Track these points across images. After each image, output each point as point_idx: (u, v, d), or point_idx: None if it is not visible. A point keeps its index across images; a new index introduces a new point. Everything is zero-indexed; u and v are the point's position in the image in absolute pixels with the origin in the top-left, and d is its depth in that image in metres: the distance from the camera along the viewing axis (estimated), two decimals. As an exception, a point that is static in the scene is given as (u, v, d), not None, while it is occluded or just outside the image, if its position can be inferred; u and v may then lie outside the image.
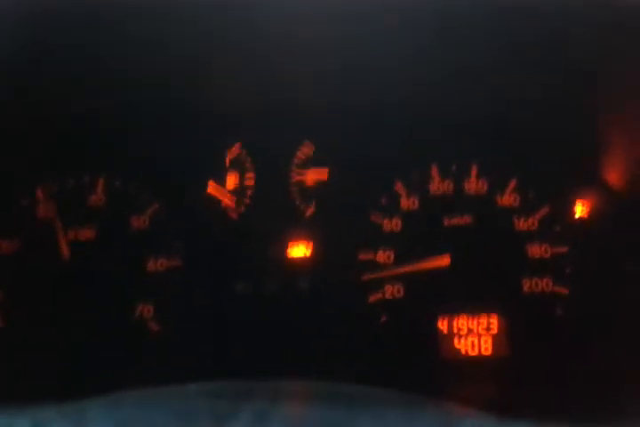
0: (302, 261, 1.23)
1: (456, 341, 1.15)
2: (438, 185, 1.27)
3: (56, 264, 1.23)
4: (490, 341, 1.14)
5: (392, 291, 1.19)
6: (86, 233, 1.26)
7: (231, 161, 1.33)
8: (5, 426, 0.40)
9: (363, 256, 1.22)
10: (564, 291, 1.16)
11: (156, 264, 1.23)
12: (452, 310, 1.16)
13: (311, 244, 1.24)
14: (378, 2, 0.94)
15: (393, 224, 1.24)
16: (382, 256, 1.22)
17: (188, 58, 1.12)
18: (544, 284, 1.16)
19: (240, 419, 0.40)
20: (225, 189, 1.31)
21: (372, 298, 1.19)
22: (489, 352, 1.14)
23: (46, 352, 1.16)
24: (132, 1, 0.95)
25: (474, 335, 1.15)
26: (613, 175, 1.20)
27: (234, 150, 1.33)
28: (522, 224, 1.21)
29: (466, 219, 1.22)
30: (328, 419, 0.41)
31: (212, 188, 1.30)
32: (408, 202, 1.26)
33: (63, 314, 1.20)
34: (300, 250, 1.25)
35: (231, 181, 1.32)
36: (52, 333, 1.18)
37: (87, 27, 1.02)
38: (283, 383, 0.57)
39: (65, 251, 1.23)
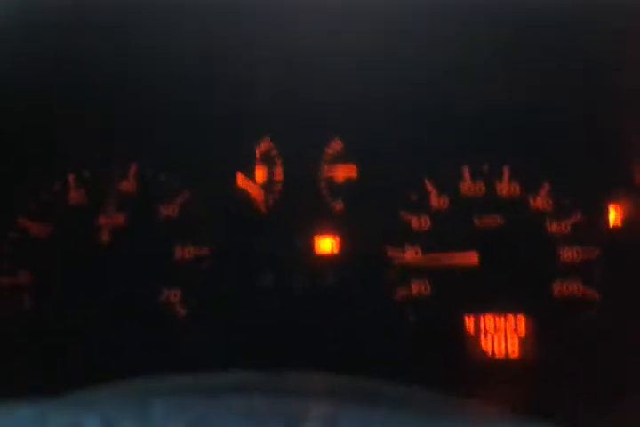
0: (329, 256, 1.23)
1: (482, 341, 1.14)
2: (469, 186, 1.26)
3: (87, 249, 1.24)
4: (517, 342, 1.13)
5: (419, 288, 1.19)
6: (117, 219, 1.27)
7: (261, 155, 1.33)
8: (75, 424, 0.40)
9: (390, 253, 1.21)
10: (595, 295, 1.14)
11: (183, 252, 1.24)
12: (480, 310, 1.15)
13: (338, 239, 1.24)
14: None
15: (422, 222, 1.24)
16: (410, 253, 1.21)
17: (221, 52, 1.13)
18: (574, 287, 1.15)
19: (312, 420, 0.39)
20: (254, 182, 1.31)
21: (399, 295, 1.19)
22: (516, 354, 1.13)
23: (74, 336, 1.17)
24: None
25: (501, 336, 1.14)
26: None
27: (263, 145, 1.33)
28: (554, 228, 1.20)
29: (496, 220, 1.21)
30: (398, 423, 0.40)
31: (241, 180, 1.31)
32: (438, 201, 1.25)
33: (91, 298, 1.21)
34: (327, 245, 1.24)
35: (260, 174, 1.32)
36: (80, 317, 1.19)
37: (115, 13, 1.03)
38: (336, 380, 0.56)
39: (105, 235, 1.24)
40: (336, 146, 1.32)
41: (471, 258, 1.17)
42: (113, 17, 1.04)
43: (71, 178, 1.31)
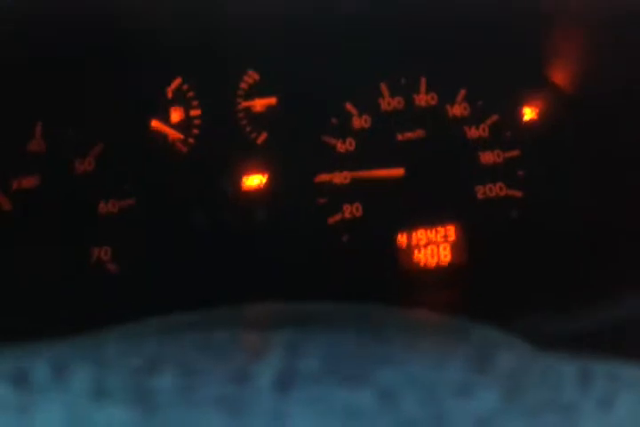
0: (258, 190, 1.22)
1: (416, 252, 1.16)
2: (389, 101, 1.25)
3: (3, 214, 1.19)
4: (448, 248, 1.16)
5: (351, 210, 1.19)
6: (29, 181, 1.21)
7: (173, 95, 1.28)
8: (22, 370, 0.37)
9: (319, 179, 1.21)
10: (518, 194, 1.17)
11: (107, 206, 1.20)
12: (411, 224, 1.17)
13: (266, 172, 1.22)
14: None
15: (347, 144, 1.23)
16: (339, 177, 1.21)
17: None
18: (497, 189, 1.17)
19: (274, 350, 0.37)
20: (169, 123, 1.26)
21: (332, 220, 1.19)
22: (447, 259, 1.16)
23: (8, 303, 1.14)
24: None
25: (433, 245, 1.17)
26: (559, 77, 1.19)
27: (175, 85, 1.27)
28: (473, 132, 1.20)
29: (418, 133, 1.21)
30: (363, 349, 0.39)
31: (155, 123, 1.26)
32: (360, 121, 1.24)
33: (17, 265, 1.17)
34: (254, 179, 1.22)
35: (176, 115, 1.28)
36: (10, 284, 1.15)
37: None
38: (292, 307, 0.55)
39: (5, 203, 1.19)
40: (252, 78, 1.27)
41: (397, 171, 1.17)
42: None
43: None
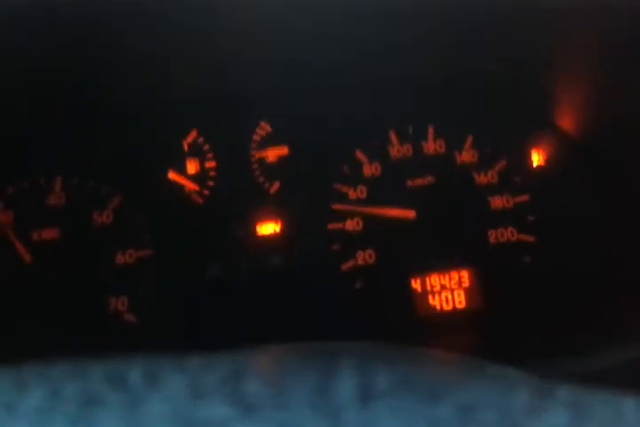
0: (272, 238, 1.23)
1: (430, 298, 1.16)
2: (398, 149, 1.27)
3: (19, 269, 1.21)
4: (463, 294, 1.16)
5: (364, 257, 1.20)
6: (50, 234, 1.24)
7: (189, 147, 1.32)
8: (116, 374, 0.39)
9: (331, 226, 1.22)
10: (530, 239, 1.18)
11: (124, 257, 1.22)
12: (424, 269, 1.18)
13: (279, 220, 1.24)
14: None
15: (358, 192, 1.25)
16: (351, 224, 1.22)
17: (140, 46, 1.09)
18: (509, 233, 1.18)
19: (344, 371, 0.39)
20: (186, 174, 1.30)
21: (345, 266, 1.20)
22: (463, 305, 1.16)
23: (24, 354, 1.14)
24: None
25: (447, 291, 1.17)
26: (566, 122, 1.22)
27: (190, 137, 1.31)
28: (482, 178, 1.22)
29: (428, 179, 1.23)
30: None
31: (172, 174, 1.29)
32: (371, 168, 1.26)
33: (37, 316, 1.18)
34: (269, 227, 1.25)
35: (191, 166, 1.31)
36: (29, 335, 1.16)
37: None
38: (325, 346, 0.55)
39: (26, 256, 1.21)
40: (264, 130, 1.31)
41: (409, 213, 1.19)
42: None
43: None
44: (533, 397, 0.38)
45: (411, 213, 1.20)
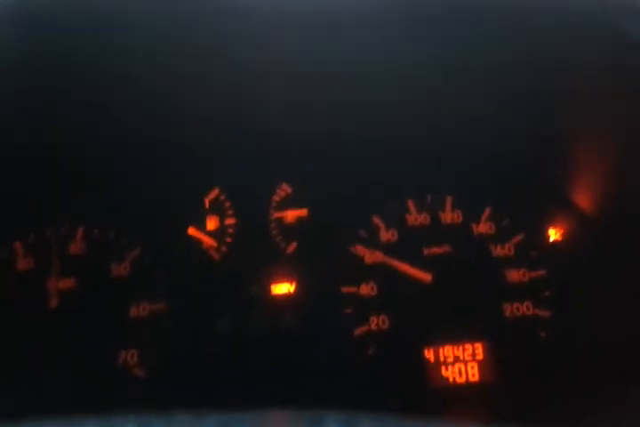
0: (286, 297, 1.24)
1: (443, 369, 1.15)
2: (415, 217, 1.30)
3: (35, 315, 1.21)
4: (476, 367, 1.15)
5: (377, 322, 1.20)
6: (67, 282, 1.25)
7: (210, 205, 1.34)
8: None
9: (346, 290, 1.23)
10: (546, 314, 1.17)
11: (138, 310, 1.22)
12: (438, 339, 1.17)
13: (294, 280, 1.25)
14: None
15: (374, 256, 1.26)
16: (365, 288, 1.23)
17: (164, 103, 1.14)
18: (525, 308, 1.18)
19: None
20: (205, 231, 1.32)
21: (358, 331, 1.19)
22: (476, 378, 1.14)
23: (32, 402, 1.13)
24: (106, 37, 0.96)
25: (460, 363, 1.15)
26: (583, 199, 1.24)
27: (213, 194, 1.34)
28: (499, 251, 1.24)
29: (445, 248, 1.25)
30: None
31: (191, 230, 1.31)
32: (387, 234, 1.28)
33: (46, 364, 1.17)
34: (283, 287, 1.25)
35: (211, 223, 1.33)
36: (37, 382, 1.15)
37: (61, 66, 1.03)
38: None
39: (45, 302, 1.22)
40: (284, 191, 1.34)
41: (425, 277, 1.21)
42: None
43: (17, 245, 1.29)
44: None
45: (427, 277, 1.20)
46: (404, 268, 1.22)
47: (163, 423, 0.41)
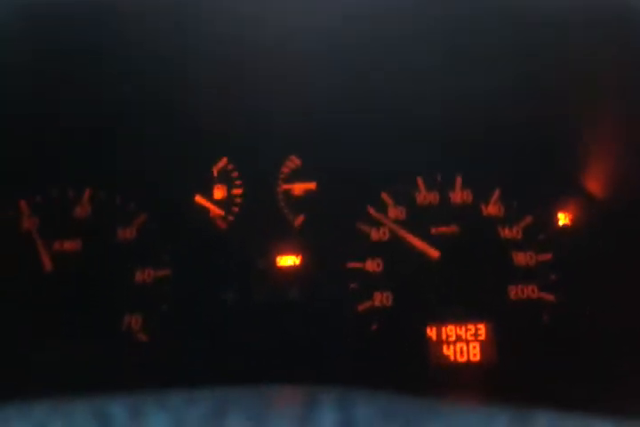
0: (291, 270, 1.24)
1: (445, 347, 1.16)
2: (424, 195, 1.29)
3: (39, 276, 1.21)
4: (478, 347, 1.16)
5: (381, 299, 1.20)
6: (72, 245, 1.25)
7: (218, 174, 1.33)
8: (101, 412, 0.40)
9: (351, 265, 1.23)
10: (550, 297, 1.18)
11: (143, 275, 1.23)
12: (441, 318, 1.18)
13: (300, 253, 1.25)
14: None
15: (381, 233, 1.26)
16: (371, 264, 1.23)
17: (175, 73, 1.13)
18: (530, 291, 1.19)
19: (327, 403, 0.40)
20: (212, 199, 1.31)
21: (362, 306, 1.20)
22: (477, 358, 1.15)
23: (32, 366, 1.14)
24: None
25: (462, 342, 1.16)
26: (594, 184, 1.24)
27: (220, 164, 1.33)
28: (507, 233, 1.24)
29: (452, 228, 1.25)
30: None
31: (198, 198, 1.31)
32: (395, 211, 1.28)
33: (48, 327, 1.18)
34: (288, 259, 1.25)
35: (218, 192, 1.33)
36: (37, 345, 1.16)
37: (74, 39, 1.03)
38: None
39: (47, 264, 1.22)
40: (293, 163, 1.33)
41: (433, 252, 1.21)
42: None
43: (23, 204, 1.28)
44: (513, 423, 0.38)
45: (435, 253, 1.20)
46: (414, 241, 1.21)
47: (155, 406, 0.40)
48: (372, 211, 1.28)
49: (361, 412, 0.39)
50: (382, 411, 0.40)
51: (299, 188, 1.32)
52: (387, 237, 1.26)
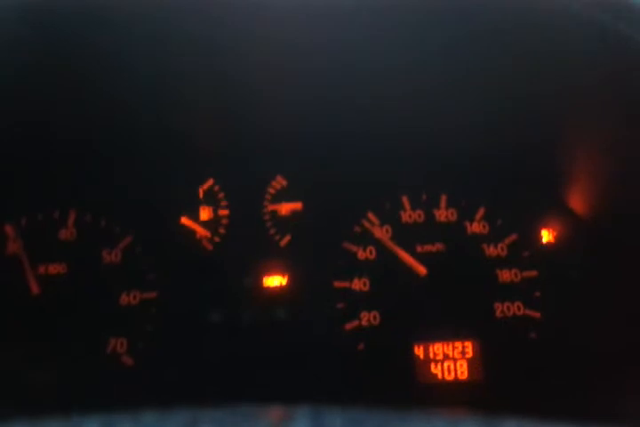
0: (278, 290, 1.24)
1: (432, 366, 1.16)
2: (410, 214, 1.30)
3: (25, 300, 1.20)
4: (465, 365, 1.16)
5: (368, 318, 1.20)
6: (57, 268, 1.24)
7: (204, 195, 1.34)
8: None
9: (338, 284, 1.23)
10: (536, 314, 1.19)
11: (129, 297, 1.22)
12: (428, 336, 1.17)
13: (287, 273, 1.25)
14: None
15: (367, 253, 1.26)
16: (358, 284, 1.23)
17: (160, 96, 1.14)
18: (516, 308, 1.19)
19: (300, 416, 0.42)
20: (198, 221, 1.31)
21: (349, 326, 1.20)
22: (465, 376, 1.15)
23: (18, 389, 1.12)
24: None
25: (450, 360, 1.16)
26: (577, 202, 1.25)
27: (206, 185, 1.34)
28: (491, 250, 1.25)
29: (437, 246, 1.25)
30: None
31: (184, 219, 1.31)
32: (381, 231, 1.28)
33: (34, 349, 1.16)
34: (275, 279, 1.25)
35: (205, 213, 1.33)
36: (23, 368, 1.14)
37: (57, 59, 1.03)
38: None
39: (34, 286, 1.21)
40: (279, 184, 1.34)
41: (421, 269, 1.22)
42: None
43: (8, 228, 1.27)
44: None
45: (423, 269, 1.20)
46: (402, 257, 1.21)
47: (128, 423, 0.41)
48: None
49: (331, 421, 0.39)
50: (352, 419, 0.40)
51: (285, 208, 1.32)
52: (373, 256, 1.26)
